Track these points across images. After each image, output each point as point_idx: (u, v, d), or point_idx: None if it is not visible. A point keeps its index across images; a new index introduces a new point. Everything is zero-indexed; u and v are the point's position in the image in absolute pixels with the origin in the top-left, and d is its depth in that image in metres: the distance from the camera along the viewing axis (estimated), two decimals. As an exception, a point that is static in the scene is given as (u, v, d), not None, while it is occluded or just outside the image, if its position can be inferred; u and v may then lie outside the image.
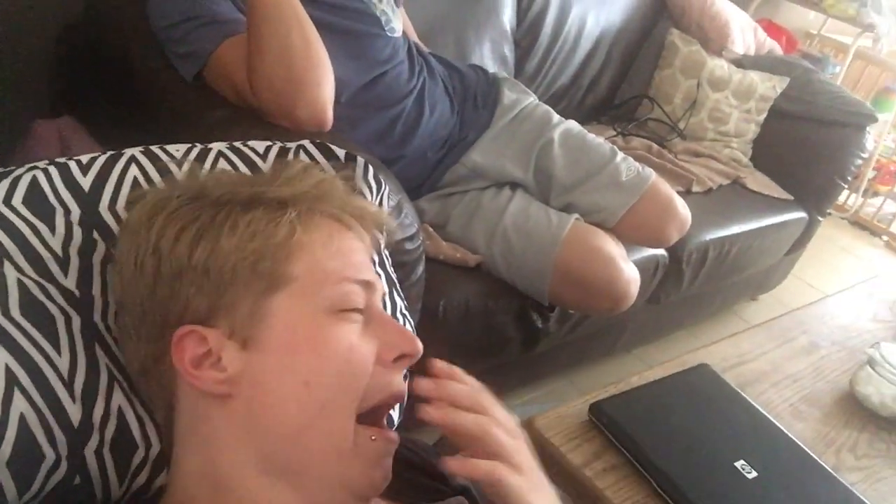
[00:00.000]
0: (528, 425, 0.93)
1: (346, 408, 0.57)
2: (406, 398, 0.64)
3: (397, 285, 0.86)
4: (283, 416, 0.56)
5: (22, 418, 0.55)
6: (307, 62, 1.09)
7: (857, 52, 3.07)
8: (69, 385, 0.58)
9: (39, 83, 1.60)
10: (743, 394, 1.07)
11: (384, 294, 0.80)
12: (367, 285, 0.62)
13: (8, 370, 0.55)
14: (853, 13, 2.82)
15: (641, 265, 1.59)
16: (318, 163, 0.80)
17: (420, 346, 0.61)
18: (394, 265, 0.88)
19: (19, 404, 0.55)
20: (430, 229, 1.48)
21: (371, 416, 0.59)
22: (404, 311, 0.84)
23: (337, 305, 0.59)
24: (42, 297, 0.60)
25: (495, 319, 1.47)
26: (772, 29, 2.93)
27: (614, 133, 2.29)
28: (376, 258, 0.78)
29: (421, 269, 1.17)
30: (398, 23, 1.47)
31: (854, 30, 2.97)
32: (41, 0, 1.55)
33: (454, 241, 1.49)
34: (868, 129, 2.33)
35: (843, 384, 1.20)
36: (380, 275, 0.79)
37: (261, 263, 0.58)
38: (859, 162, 2.34)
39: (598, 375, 2.00)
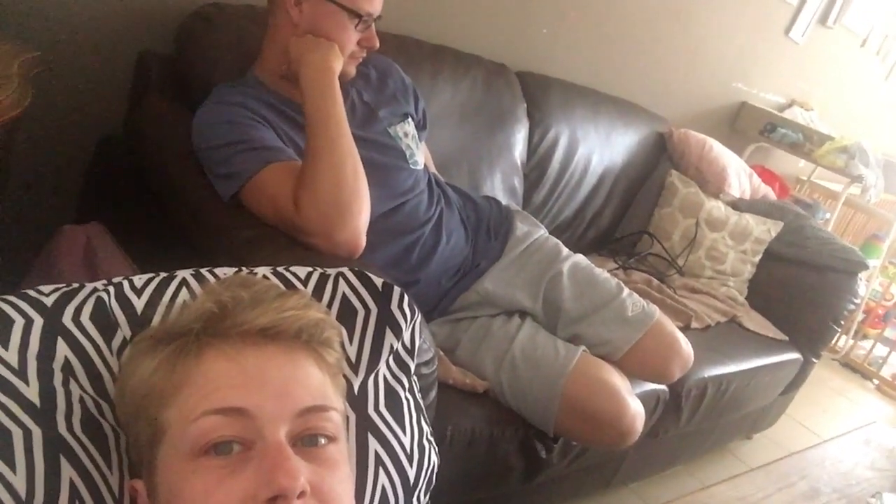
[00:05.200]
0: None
1: None
2: None
3: (424, 412, 0.87)
4: None
5: None
6: (354, 192, 1.17)
7: (847, 199, 3.20)
8: (119, 502, 0.60)
9: (72, 190, 1.67)
10: (750, 540, 1.07)
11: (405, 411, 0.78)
12: (238, 412, 0.54)
13: (72, 485, 0.57)
14: (842, 164, 2.95)
15: (643, 399, 1.61)
16: (356, 290, 0.83)
17: (297, 484, 0.51)
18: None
19: None
20: (441, 353, 1.51)
21: None
22: (429, 437, 0.85)
23: (195, 446, 0.54)
24: (97, 415, 0.63)
25: (499, 448, 1.47)
26: (765, 174, 3.07)
27: (616, 266, 2.36)
28: (332, 362, 0.66)
29: (434, 393, 1.19)
30: (421, 157, 1.56)
31: (842, 177, 3.10)
32: (82, 111, 1.64)
33: (462, 366, 1.51)
34: (860, 275, 2.42)
35: (847, 534, 1.21)
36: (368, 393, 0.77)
37: (145, 413, 0.57)
38: (852, 307, 2.40)
39: (596, 510, 1.98)
